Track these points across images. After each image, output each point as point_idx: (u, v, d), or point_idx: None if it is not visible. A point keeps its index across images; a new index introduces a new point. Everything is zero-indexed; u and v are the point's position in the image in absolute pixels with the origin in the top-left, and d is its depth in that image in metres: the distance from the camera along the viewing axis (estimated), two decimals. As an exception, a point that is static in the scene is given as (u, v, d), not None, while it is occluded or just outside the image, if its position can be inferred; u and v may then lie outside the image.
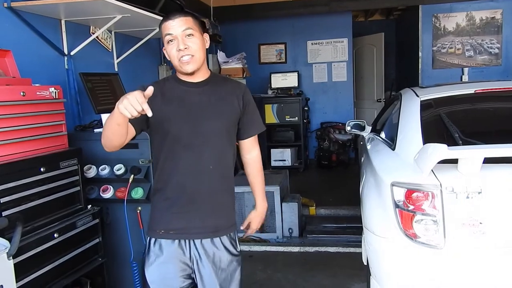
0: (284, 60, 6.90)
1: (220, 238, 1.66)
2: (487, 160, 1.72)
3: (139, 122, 1.56)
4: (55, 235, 1.96)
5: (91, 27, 3.04)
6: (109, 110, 2.72)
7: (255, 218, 1.88)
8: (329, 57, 6.77)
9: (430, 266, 1.82)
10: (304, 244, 3.73)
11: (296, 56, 6.88)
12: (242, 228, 1.86)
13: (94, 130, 2.59)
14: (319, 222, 4.28)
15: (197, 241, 1.63)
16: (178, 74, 1.66)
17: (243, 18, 6.35)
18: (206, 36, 1.64)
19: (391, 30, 7.98)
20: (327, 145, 6.56)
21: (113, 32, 3.34)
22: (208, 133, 1.61)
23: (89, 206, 2.24)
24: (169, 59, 1.62)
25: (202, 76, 1.65)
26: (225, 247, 1.66)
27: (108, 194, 2.44)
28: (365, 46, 7.42)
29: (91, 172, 2.44)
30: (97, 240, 2.25)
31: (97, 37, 3.07)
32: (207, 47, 1.64)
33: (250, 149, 1.82)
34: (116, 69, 3.36)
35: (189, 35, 1.55)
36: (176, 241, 1.63)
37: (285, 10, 6.07)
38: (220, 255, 1.65)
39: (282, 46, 6.91)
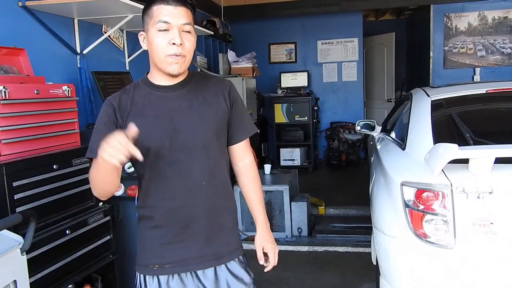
0: (294, 60, 6.90)
1: (226, 265, 1.43)
2: (499, 160, 1.71)
3: None
4: (67, 231, 1.98)
5: (103, 26, 3.07)
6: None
7: (267, 243, 1.50)
8: (339, 56, 6.75)
9: (440, 266, 1.81)
10: (313, 243, 3.73)
11: (306, 55, 6.88)
12: (261, 263, 1.50)
13: (106, 128, 2.61)
14: (328, 222, 4.27)
15: (199, 272, 1.40)
16: (152, 74, 1.39)
17: (253, 17, 6.36)
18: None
19: (402, 29, 7.93)
20: (337, 145, 6.54)
21: (124, 31, 3.37)
22: (195, 145, 1.35)
23: (101, 204, 2.26)
24: (145, 48, 1.35)
25: (180, 77, 1.38)
26: (233, 274, 1.44)
27: (119, 192, 2.46)
28: (375, 45, 7.39)
29: (103, 169, 2.46)
30: (108, 237, 2.28)
31: (109, 36, 3.10)
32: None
33: (243, 156, 1.52)
34: (128, 68, 3.39)
35: (187, 31, 1.31)
36: (176, 275, 1.39)
37: (296, 9, 6.07)
38: (231, 286, 1.43)
39: (292, 46, 6.91)
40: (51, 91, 2.03)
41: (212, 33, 4.58)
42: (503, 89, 2.52)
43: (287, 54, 6.93)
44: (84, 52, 2.84)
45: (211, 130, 1.39)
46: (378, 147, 2.95)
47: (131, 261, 2.51)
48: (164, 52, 1.29)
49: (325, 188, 5.35)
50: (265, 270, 1.51)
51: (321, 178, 6.19)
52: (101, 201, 2.28)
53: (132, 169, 2.42)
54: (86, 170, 2.16)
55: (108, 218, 2.27)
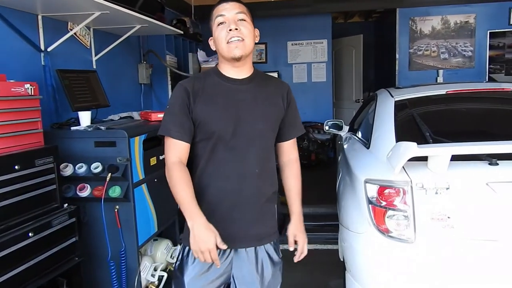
0: (264, 60, 6.94)
1: (264, 246, 1.59)
2: (455, 158, 1.79)
3: (190, 134, 1.50)
4: (30, 234, 1.93)
5: (69, 23, 3.00)
6: (87, 108, 2.72)
7: (299, 233, 1.67)
8: (309, 57, 6.84)
9: (402, 260, 1.88)
10: (283, 241, 3.75)
11: (276, 56, 6.93)
12: (291, 249, 1.67)
13: (71, 128, 2.56)
14: (298, 221, 4.32)
15: (241, 250, 1.56)
16: (221, 67, 1.56)
17: (223, 17, 6.34)
18: (257, 32, 1.57)
19: (369, 32, 8.11)
20: (307, 145, 6.62)
21: (91, 29, 3.31)
22: (254, 135, 1.52)
23: (65, 205, 2.21)
24: (214, 49, 1.55)
25: (247, 71, 1.56)
26: (269, 255, 1.60)
27: (85, 193, 2.42)
28: (344, 47, 7.53)
29: (68, 170, 2.41)
30: (73, 239, 2.23)
31: (75, 33, 3.04)
32: (256, 41, 1.56)
33: (290, 152, 1.71)
34: (95, 67, 3.33)
35: (241, 19, 1.48)
36: (218, 249, 1.51)
37: (266, 10, 6.10)
38: (264, 264, 1.59)
39: (262, 46, 6.94)
40: (12, 89, 1.97)
41: (182, 32, 4.55)
42: (461, 90, 2.64)
43: (257, 54, 6.96)
44: (49, 49, 2.76)
45: (269, 124, 1.56)
46: (345, 146, 3.02)
47: (98, 263, 2.49)
48: (225, 40, 1.47)
49: (295, 187, 5.39)
50: (295, 260, 1.67)
51: (291, 177, 6.24)
52: (65, 202, 2.23)
53: (98, 170, 2.39)
54: (50, 171, 2.11)
55: (74, 219, 2.22)
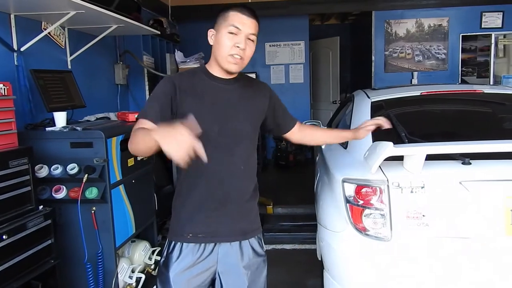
0: (242, 61, 6.94)
1: (248, 241, 1.63)
2: (430, 157, 1.84)
3: (167, 121, 1.45)
4: (4, 236, 1.89)
5: (43, 22, 2.94)
6: (62, 108, 2.67)
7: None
8: (287, 59, 6.89)
9: (379, 258, 1.92)
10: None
11: (254, 57, 6.80)
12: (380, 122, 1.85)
13: (46, 128, 2.51)
14: (276, 221, 4.35)
15: (225, 244, 1.59)
16: (211, 66, 1.59)
17: (202, 18, 6.30)
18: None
19: (346, 34, 8.22)
20: (285, 145, 6.67)
21: (66, 29, 3.24)
22: (239, 133, 1.57)
23: (41, 207, 2.17)
24: (211, 43, 1.56)
25: (234, 74, 1.61)
26: (253, 249, 1.64)
27: (60, 194, 2.38)
28: (321, 49, 7.62)
29: (43, 171, 2.37)
30: (49, 242, 2.19)
31: (49, 33, 2.97)
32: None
33: (301, 127, 1.88)
34: (70, 67, 3.26)
35: (251, 39, 1.53)
36: (203, 244, 1.57)
37: (243, 11, 6.10)
38: (249, 257, 1.62)
39: (240, 47, 6.94)
40: (-15, 89, 1.93)
41: (159, 32, 4.52)
42: (435, 91, 2.71)
43: (235, 55, 6.95)
44: (22, 49, 2.69)
45: (253, 123, 1.63)
46: (323, 147, 3.05)
47: (74, 265, 2.44)
48: (227, 52, 1.50)
49: (273, 187, 5.44)
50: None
51: (269, 178, 6.28)
52: (41, 204, 2.19)
53: (75, 171, 2.35)
54: (25, 172, 2.07)
55: (49, 222, 2.18)
